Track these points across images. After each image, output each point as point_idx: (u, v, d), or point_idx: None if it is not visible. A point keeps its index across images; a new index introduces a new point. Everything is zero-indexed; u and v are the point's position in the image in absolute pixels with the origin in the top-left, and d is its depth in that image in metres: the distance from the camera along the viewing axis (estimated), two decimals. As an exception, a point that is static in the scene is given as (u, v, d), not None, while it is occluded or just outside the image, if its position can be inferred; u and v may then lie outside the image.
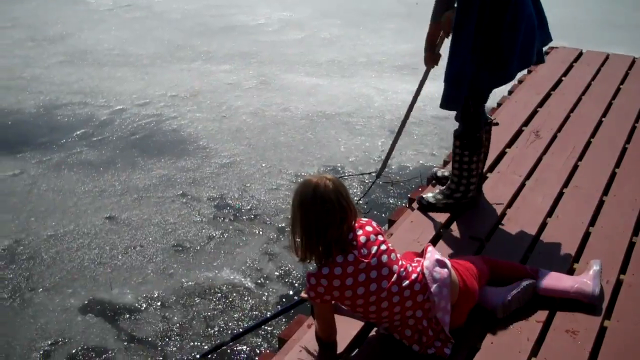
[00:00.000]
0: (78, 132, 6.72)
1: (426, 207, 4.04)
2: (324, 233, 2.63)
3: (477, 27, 3.37)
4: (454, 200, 3.96)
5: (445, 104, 3.66)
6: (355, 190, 5.59)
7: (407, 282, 2.74)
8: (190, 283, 4.45)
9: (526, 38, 3.48)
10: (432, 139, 6.53)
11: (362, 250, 2.68)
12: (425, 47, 3.92)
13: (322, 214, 2.61)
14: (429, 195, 4.07)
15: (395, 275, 2.72)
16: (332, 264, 2.65)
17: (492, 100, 6.71)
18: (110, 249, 4.83)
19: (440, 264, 2.88)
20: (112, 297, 4.34)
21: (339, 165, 6.04)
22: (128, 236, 4.98)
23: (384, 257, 2.72)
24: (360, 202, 5.34)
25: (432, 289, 2.78)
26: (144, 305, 4.24)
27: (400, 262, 2.79)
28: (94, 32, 10.37)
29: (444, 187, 4.06)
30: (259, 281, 4.48)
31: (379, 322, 2.89)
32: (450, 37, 3.53)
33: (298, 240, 2.70)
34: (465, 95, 3.58)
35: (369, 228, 2.78)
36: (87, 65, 8.82)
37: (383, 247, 2.75)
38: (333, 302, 2.77)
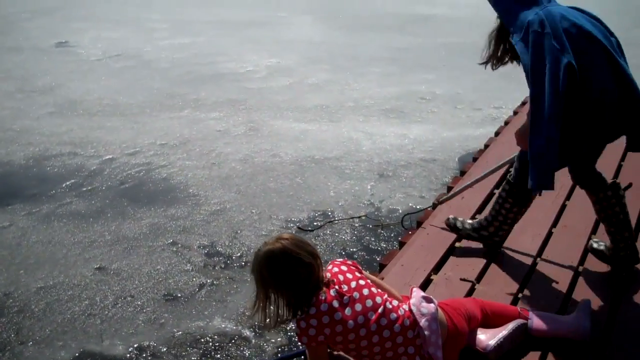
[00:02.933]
0: (67, 183, 6.72)
1: (451, 228, 4.07)
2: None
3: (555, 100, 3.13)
4: (479, 235, 3.94)
5: (534, 184, 3.23)
6: (345, 235, 5.59)
7: (395, 315, 2.77)
8: (182, 333, 4.42)
9: (603, 115, 3.24)
10: (421, 181, 6.56)
11: (342, 286, 2.75)
12: (521, 132, 3.52)
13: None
14: (461, 219, 4.07)
15: (381, 307, 2.76)
16: (316, 303, 2.68)
17: (479, 142, 6.80)
18: (100, 300, 4.80)
19: (427, 299, 2.91)
20: (103, 349, 4.30)
21: (328, 209, 6.05)
22: (118, 287, 4.95)
23: (365, 291, 2.78)
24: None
25: (421, 324, 2.79)
26: (135, 357, 4.20)
27: (384, 296, 2.83)
28: (84, 83, 10.45)
29: (476, 220, 4.02)
30: (252, 329, 4.44)
31: None
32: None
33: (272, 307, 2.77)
34: (554, 171, 3.25)
35: (344, 267, 2.87)
36: (76, 115, 8.86)
37: (362, 282, 2.82)
38: (327, 343, 2.77)
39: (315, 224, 5.80)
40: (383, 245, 5.44)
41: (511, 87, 9.65)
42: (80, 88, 10.14)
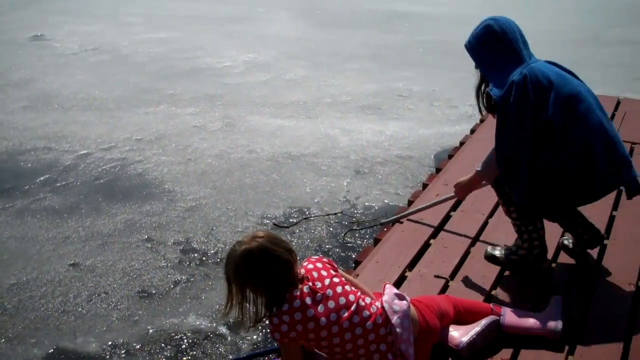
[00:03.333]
0: (42, 178, 6.65)
1: (489, 259, 3.91)
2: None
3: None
4: (518, 257, 3.77)
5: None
6: (321, 231, 5.60)
7: (367, 312, 2.79)
8: (156, 330, 4.40)
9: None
10: (397, 178, 6.58)
11: (316, 283, 2.74)
12: (463, 185, 3.75)
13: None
14: (498, 248, 3.93)
15: (354, 305, 2.77)
16: (289, 299, 2.69)
17: (455, 140, 6.83)
18: (74, 296, 4.76)
19: (399, 297, 2.92)
20: (76, 346, 4.27)
21: (304, 206, 6.05)
22: (92, 283, 4.92)
23: (339, 288, 2.79)
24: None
25: (392, 321, 2.81)
26: (109, 354, 4.18)
27: (358, 294, 2.84)
28: (59, 77, 10.35)
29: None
30: (227, 326, 4.44)
31: None
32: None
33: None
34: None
35: (319, 264, 2.88)
36: (51, 110, 8.78)
37: (336, 279, 2.83)
38: (300, 341, 2.77)
39: (291, 220, 5.80)
40: (358, 242, 5.45)
41: (488, 84, 9.70)
42: (55, 82, 10.05)
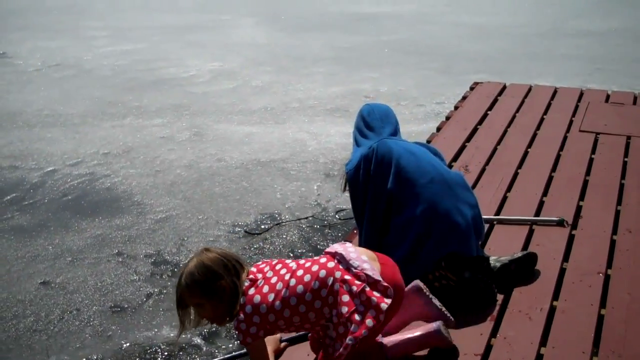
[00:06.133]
0: (8, 197, 6.57)
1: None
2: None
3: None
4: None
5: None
6: (293, 236, 5.60)
7: (316, 266, 2.73)
8: (130, 344, 4.37)
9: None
10: (367, 179, 6.58)
11: (257, 275, 2.76)
12: None
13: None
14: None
15: (299, 270, 2.74)
16: (243, 293, 2.68)
17: (422, 138, 6.85)
18: (45, 315, 4.71)
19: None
20: (49, 364, 4.23)
21: (275, 212, 6.04)
22: (64, 300, 4.86)
23: (278, 266, 2.80)
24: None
25: (349, 256, 2.74)
26: (83, 371, 4.14)
27: (300, 261, 2.81)
28: (23, 94, 10.23)
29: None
30: (201, 337, 4.41)
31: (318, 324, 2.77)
32: None
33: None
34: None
35: (262, 266, 2.85)
36: (16, 128, 8.67)
37: (275, 263, 2.84)
38: (268, 330, 2.73)
39: (262, 227, 5.79)
40: (330, 244, 5.44)
41: (452, 82, 9.79)
42: (19, 100, 9.93)
